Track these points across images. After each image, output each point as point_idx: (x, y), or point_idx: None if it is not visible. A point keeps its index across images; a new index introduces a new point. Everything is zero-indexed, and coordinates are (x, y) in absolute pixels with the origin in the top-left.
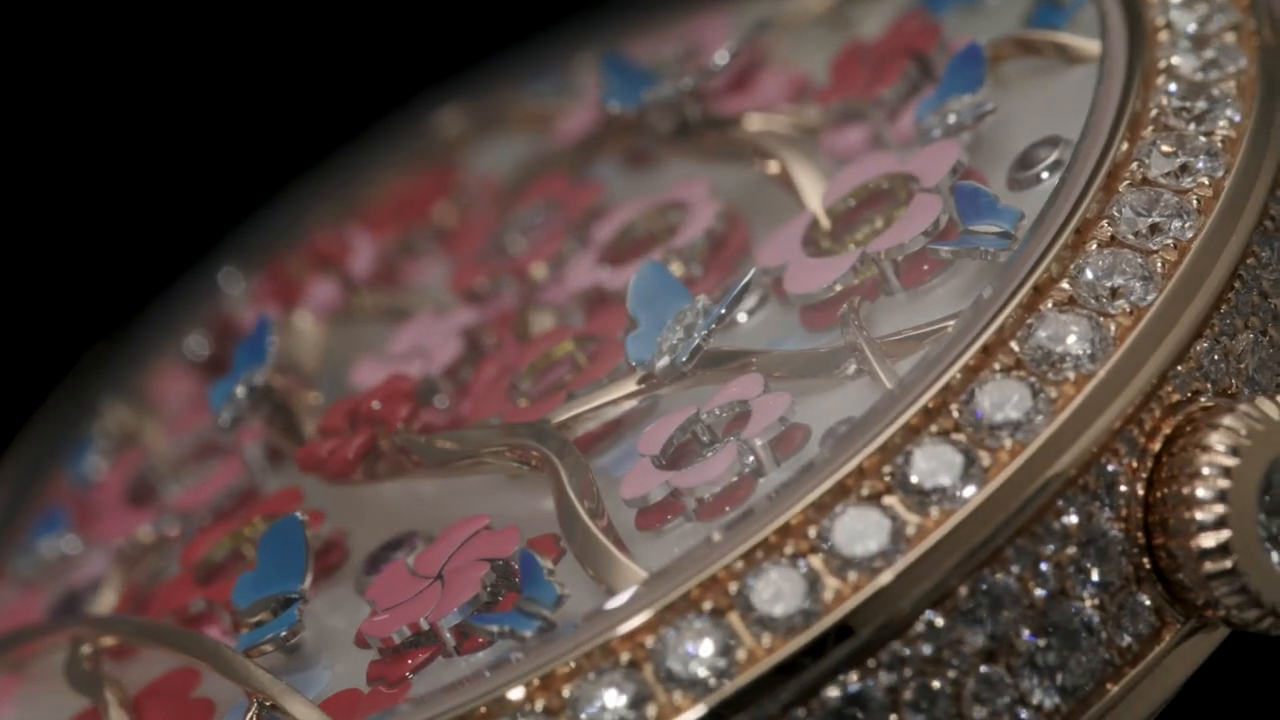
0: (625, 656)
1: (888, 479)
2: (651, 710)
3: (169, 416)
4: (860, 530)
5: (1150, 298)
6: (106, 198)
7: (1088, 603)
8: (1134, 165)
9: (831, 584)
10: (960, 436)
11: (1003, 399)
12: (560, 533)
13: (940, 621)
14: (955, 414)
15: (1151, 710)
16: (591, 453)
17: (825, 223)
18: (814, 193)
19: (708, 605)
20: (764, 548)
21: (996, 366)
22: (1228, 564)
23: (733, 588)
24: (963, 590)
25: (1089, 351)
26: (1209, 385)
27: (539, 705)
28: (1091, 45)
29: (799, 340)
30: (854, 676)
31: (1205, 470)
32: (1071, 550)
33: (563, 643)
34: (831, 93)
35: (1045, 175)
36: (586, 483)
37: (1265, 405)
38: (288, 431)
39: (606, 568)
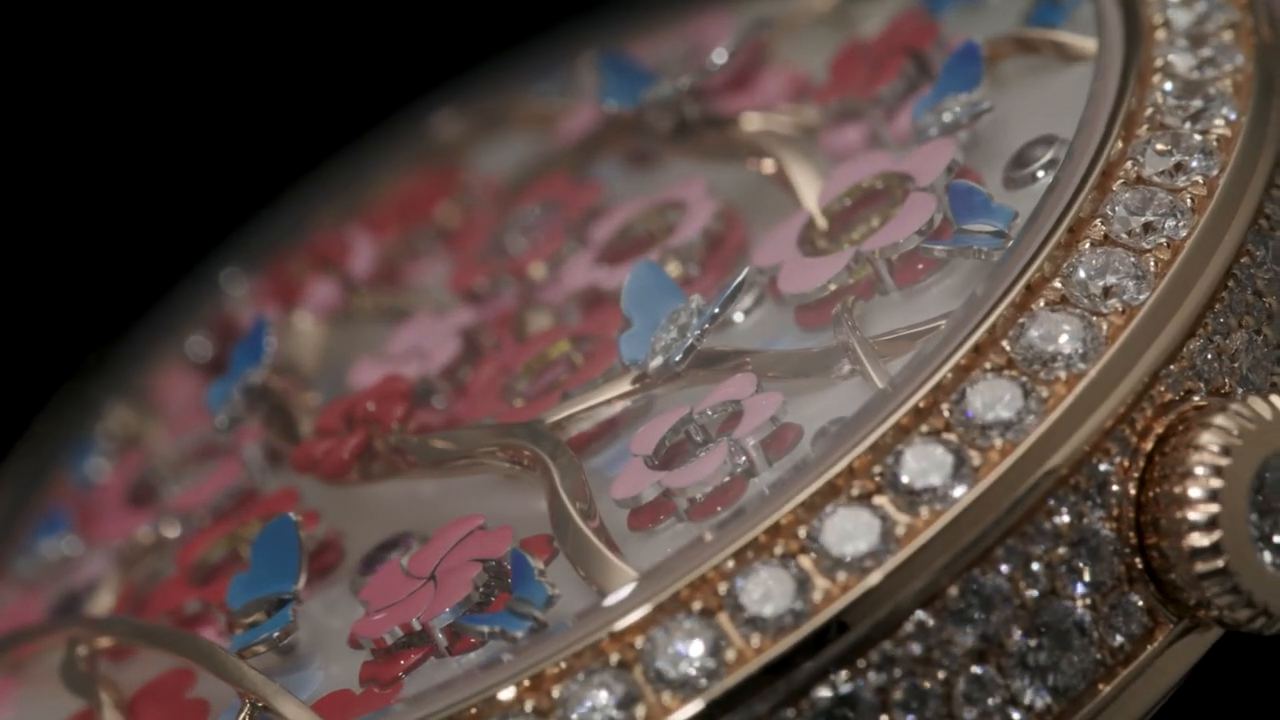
0: (615, 657)
1: (878, 479)
2: (640, 711)
3: (171, 418)
4: (850, 530)
5: (1143, 297)
6: (110, 200)
7: (1079, 603)
8: (1128, 164)
9: (821, 584)
10: (951, 436)
11: (994, 398)
12: (553, 533)
13: (930, 621)
14: (946, 413)
15: (1144, 710)
16: (585, 453)
17: (821, 222)
18: (811, 192)
19: (697, 605)
20: (754, 548)
21: (988, 366)
22: (1219, 564)
23: (722, 588)
24: (953, 590)
25: (1081, 351)
26: (1202, 384)
27: (529, 706)
28: (1089, 43)
29: (794, 340)
30: (844, 677)
31: (1197, 470)
32: (1063, 550)
33: (553, 643)
34: (830, 92)
35: (1041, 174)
36: (579, 483)
37: (1257, 404)
38: (285, 432)
39: (597, 568)
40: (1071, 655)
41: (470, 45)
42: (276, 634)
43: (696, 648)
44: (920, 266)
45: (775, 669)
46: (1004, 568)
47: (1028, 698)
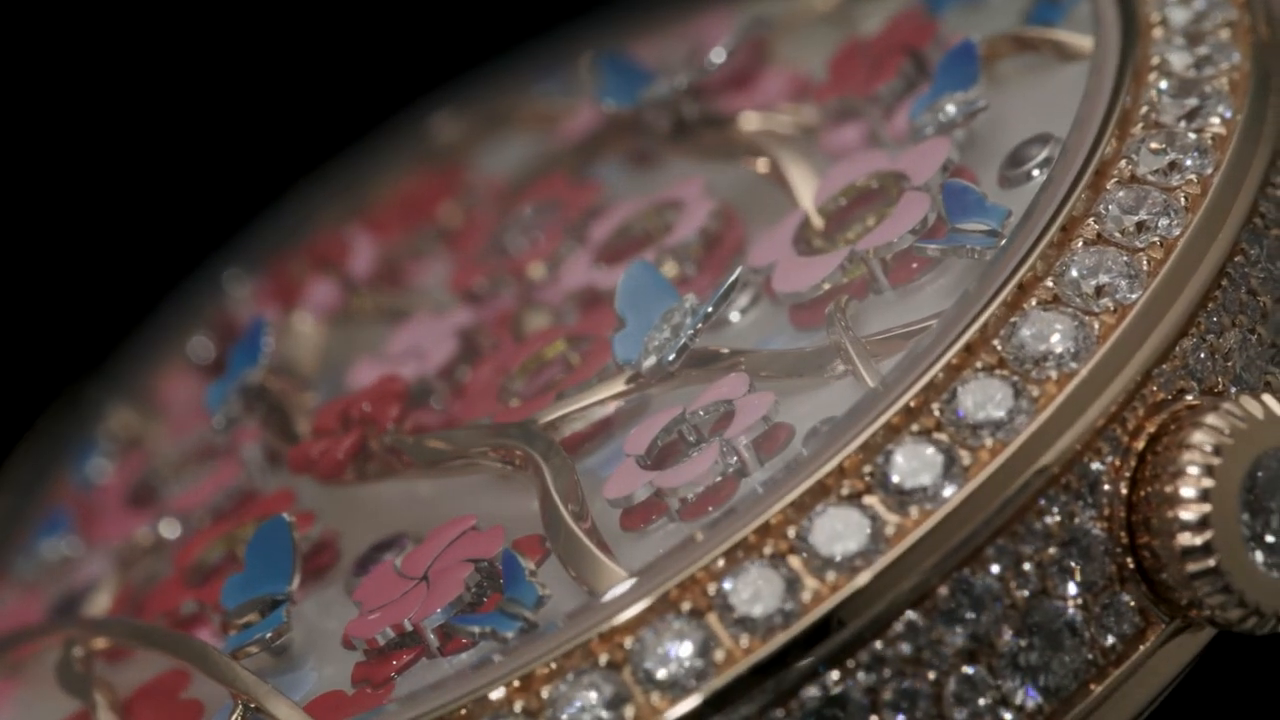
0: (604, 657)
1: (868, 478)
2: (629, 711)
3: (173, 419)
4: (840, 530)
5: (1135, 296)
6: (112, 202)
7: (1070, 603)
8: (1122, 162)
9: (810, 584)
10: (942, 436)
11: (985, 398)
12: (545, 534)
13: (920, 621)
14: (937, 413)
15: (1136, 711)
16: (580, 453)
17: (818, 221)
18: (807, 191)
19: (687, 606)
20: (743, 548)
21: (979, 365)
22: (1211, 563)
23: (711, 588)
24: (943, 590)
25: (1072, 350)
26: (1195, 383)
27: (518, 706)
28: (1087, 41)
29: (789, 339)
30: (833, 677)
31: (1189, 469)
32: (1054, 550)
33: (542, 644)
34: (829, 91)
35: (1036, 173)
36: (571, 484)
37: (1249, 403)
38: (283, 433)
39: (588, 568)
40: (1063, 655)
41: (473, 46)
42: (269, 635)
43: (686, 648)
44: (914, 265)
45: (764, 669)
46: (994, 568)
47: (1019, 698)
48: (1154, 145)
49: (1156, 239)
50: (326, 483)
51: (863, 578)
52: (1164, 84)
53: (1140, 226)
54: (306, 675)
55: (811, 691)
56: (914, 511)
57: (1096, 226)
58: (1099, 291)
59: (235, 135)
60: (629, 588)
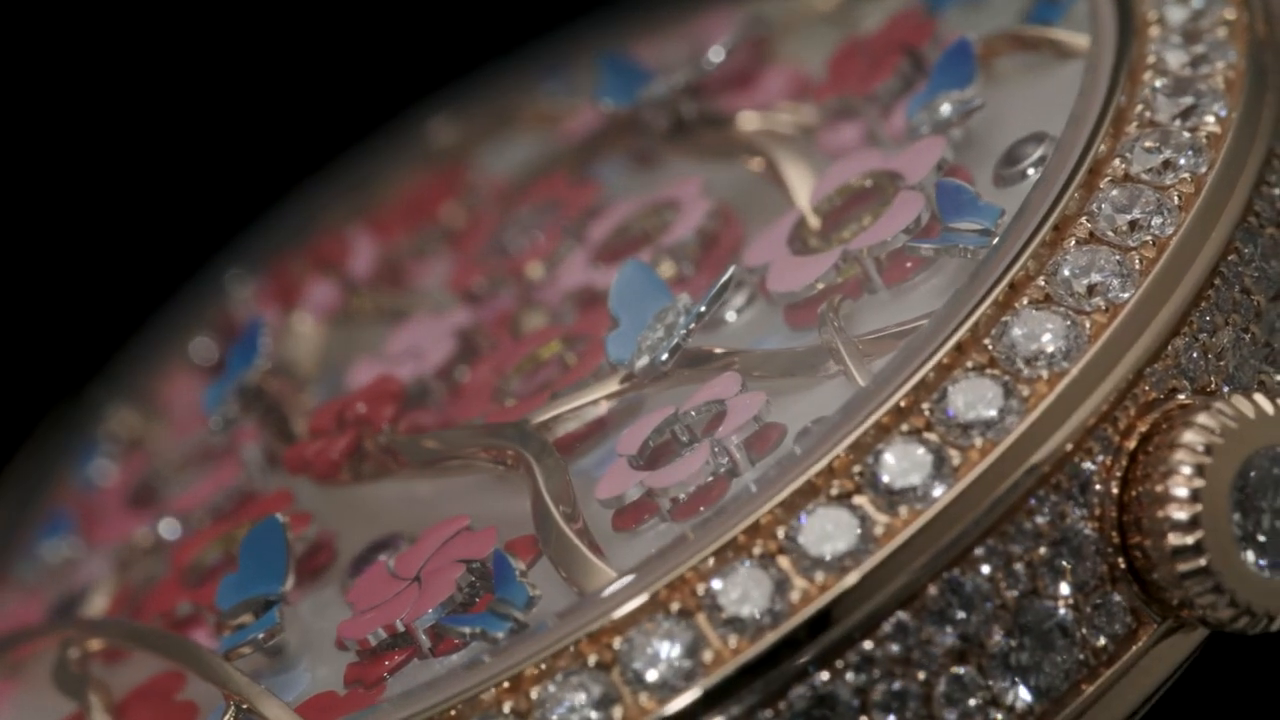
0: (593, 658)
1: (857, 478)
2: (618, 712)
3: (175, 420)
4: (829, 531)
5: (1126, 295)
6: (114, 203)
7: (1061, 603)
8: (1116, 161)
9: (800, 584)
10: (931, 435)
11: (975, 397)
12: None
13: (910, 622)
14: (927, 412)
15: (1128, 711)
16: (574, 453)
17: (813, 221)
18: (804, 191)
19: (675, 606)
20: (732, 548)
21: (969, 364)
22: (1201, 563)
23: (700, 589)
24: (932, 590)
25: (1064, 349)
26: (1187, 383)
27: (507, 707)
28: (1084, 40)
29: (783, 339)
30: (822, 677)
31: (1179, 468)
32: (1044, 550)
33: (531, 644)
34: (828, 89)
35: (1031, 171)
36: (563, 484)
37: (1240, 402)
38: (281, 433)
39: (578, 569)
40: (1054, 655)
41: (476, 46)
42: (262, 635)
43: (674, 649)
44: (908, 265)
45: (753, 670)
46: (985, 568)
47: (1009, 698)
48: (1148, 144)
49: (1149, 238)
50: (323, 483)
51: (852, 578)
52: (1159, 82)
53: (1133, 225)
54: (300, 676)
55: (800, 692)
56: (903, 511)
57: (1089, 225)
58: (1091, 290)
59: (238, 136)
60: (618, 588)
